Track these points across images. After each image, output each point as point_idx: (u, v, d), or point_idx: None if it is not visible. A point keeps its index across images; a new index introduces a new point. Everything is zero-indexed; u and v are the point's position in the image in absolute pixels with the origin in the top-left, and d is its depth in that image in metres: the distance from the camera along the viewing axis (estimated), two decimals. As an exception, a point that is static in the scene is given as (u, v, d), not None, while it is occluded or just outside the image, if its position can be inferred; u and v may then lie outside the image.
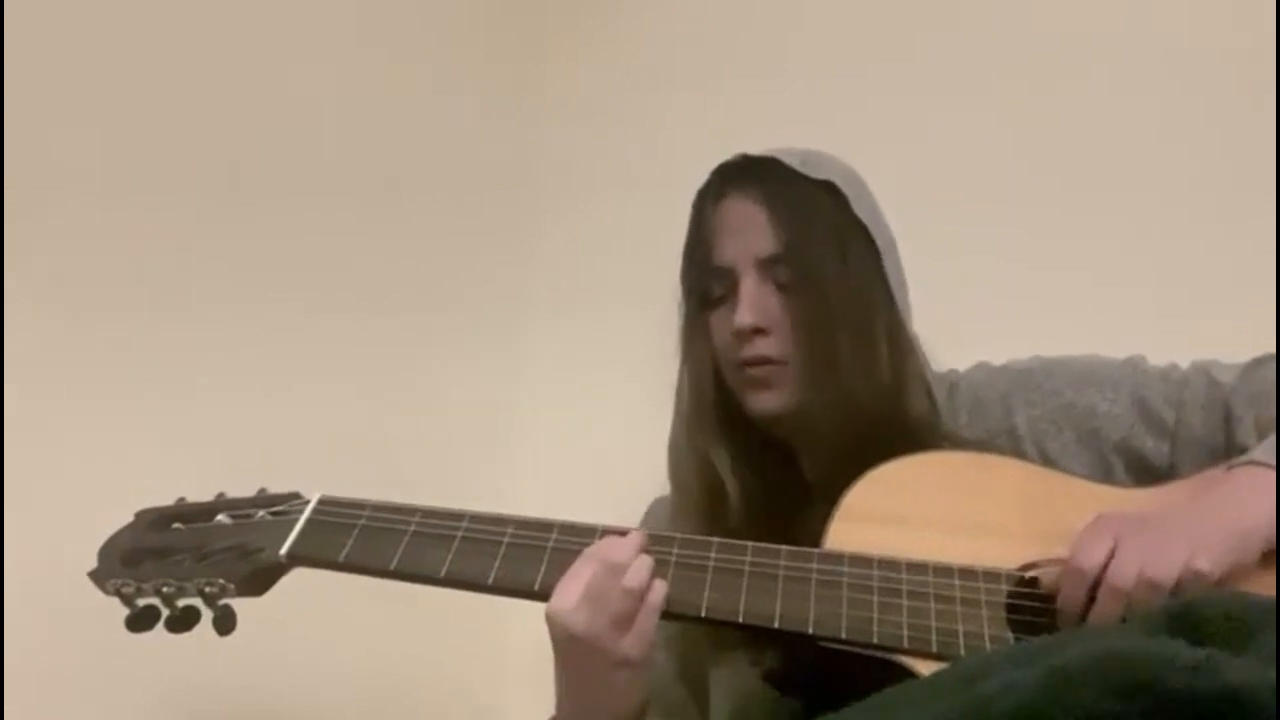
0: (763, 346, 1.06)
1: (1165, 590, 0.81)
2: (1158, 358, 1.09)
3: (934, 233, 1.45)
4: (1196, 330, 1.10)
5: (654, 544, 0.95)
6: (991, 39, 1.56)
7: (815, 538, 0.95)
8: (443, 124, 1.79)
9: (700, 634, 1.07)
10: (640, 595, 0.90)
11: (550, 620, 0.90)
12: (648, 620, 0.90)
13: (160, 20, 1.42)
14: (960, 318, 1.35)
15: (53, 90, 1.30)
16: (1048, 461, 1.05)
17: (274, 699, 1.38)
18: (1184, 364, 1.07)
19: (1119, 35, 1.47)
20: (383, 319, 1.64)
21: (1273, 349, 1.04)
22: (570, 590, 0.89)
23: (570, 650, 0.90)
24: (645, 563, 0.91)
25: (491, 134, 1.87)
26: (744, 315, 1.06)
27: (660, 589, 0.92)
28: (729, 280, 1.09)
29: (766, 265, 1.07)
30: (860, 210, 1.09)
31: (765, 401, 1.08)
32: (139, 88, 1.39)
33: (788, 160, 1.10)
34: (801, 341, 1.06)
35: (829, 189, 1.08)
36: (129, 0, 1.40)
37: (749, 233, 1.08)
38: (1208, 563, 0.82)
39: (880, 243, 1.09)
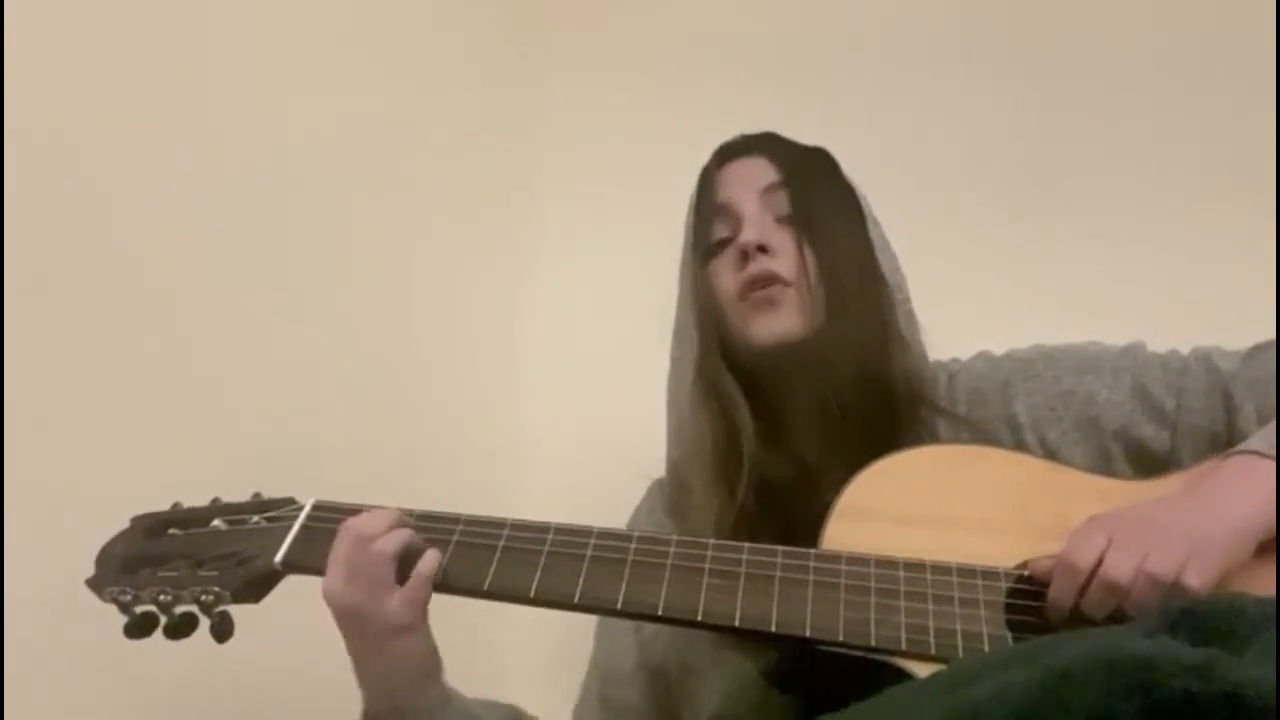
0: (768, 263, 1.08)
1: (1164, 584, 0.80)
2: (1158, 346, 1.08)
3: (933, 225, 1.45)
4: (1197, 318, 1.10)
5: (650, 544, 0.94)
6: (991, 33, 1.55)
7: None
8: (443, 123, 1.78)
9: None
10: (390, 560, 0.93)
11: (325, 599, 0.95)
12: (418, 588, 0.94)
13: (163, 22, 1.41)
14: (962, 309, 1.35)
15: (52, 89, 1.29)
16: (1048, 450, 1.04)
17: (274, 700, 1.38)
18: (1185, 351, 1.06)
19: (1118, 20, 1.47)
20: (377, 320, 1.64)
21: (1272, 336, 1.03)
22: (335, 568, 0.94)
23: (344, 623, 0.95)
24: (399, 534, 0.94)
25: (491, 133, 1.86)
26: (749, 233, 1.09)
27: (432, 558, 0.94)
28: (731, 218, 1.12)
29: (767, 194, 1.12)
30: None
31: (772, 323, 1.08)
32: (140, 88, 1.38)
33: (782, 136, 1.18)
34: (802, 265, 1.08)
35: (820, 152, 1.16)
36: (132, 1, 1.39)
37: (751, 175, 1.13)
38: (1198, 579, 0.81)
39: (865, 209, 1.13)
